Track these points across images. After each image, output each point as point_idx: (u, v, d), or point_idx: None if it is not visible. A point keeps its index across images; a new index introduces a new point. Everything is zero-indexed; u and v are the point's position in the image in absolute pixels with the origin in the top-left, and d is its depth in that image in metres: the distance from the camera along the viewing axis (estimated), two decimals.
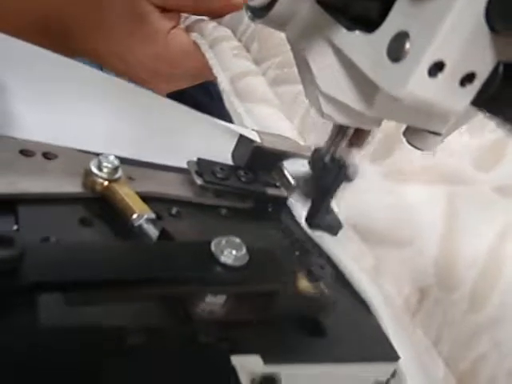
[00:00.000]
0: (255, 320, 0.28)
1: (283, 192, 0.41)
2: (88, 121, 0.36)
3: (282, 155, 0.43)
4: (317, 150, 0.37)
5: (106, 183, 0.31)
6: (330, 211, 0.37)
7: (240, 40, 0.66)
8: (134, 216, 0.30)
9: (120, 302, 0.23)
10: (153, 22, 0.52)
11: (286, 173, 0.42)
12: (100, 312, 0.22)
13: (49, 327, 0.21)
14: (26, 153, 0.32)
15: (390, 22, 0.24)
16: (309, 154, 0.44)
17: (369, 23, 0.26)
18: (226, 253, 0.26)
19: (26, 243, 0.21)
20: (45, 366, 0.20)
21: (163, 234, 0.29)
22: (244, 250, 0.27)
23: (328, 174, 0.35)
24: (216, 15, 0.63)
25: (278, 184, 0.41)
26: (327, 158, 0.35)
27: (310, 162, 0.38)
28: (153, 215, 0.30)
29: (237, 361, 0.25)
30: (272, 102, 0.55)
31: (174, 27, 0.57)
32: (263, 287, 0.28)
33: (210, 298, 0.26)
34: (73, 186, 0.31)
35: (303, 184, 0.40)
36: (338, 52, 0.28)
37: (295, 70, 0.31)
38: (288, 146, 0.43)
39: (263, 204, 0.40)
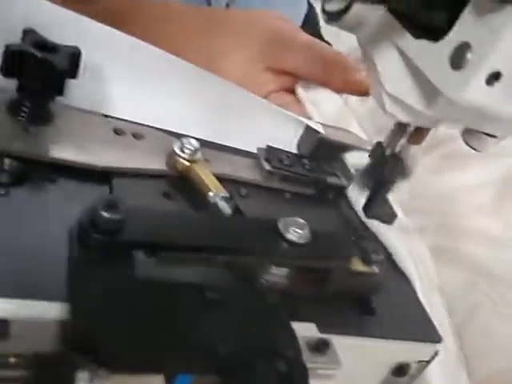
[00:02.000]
0: (312, 293, 0.31)
1: (343, 181, 0.44)
2: (171, 104, 0.40)
3: (344, 147, 0.45)
4: (378, 144, 0.39)
5: (186, 163, 0.35)
6: (386, 202, 0.40)
7: None
8: (211, 194, 0.34)
9: (200, 264, 0.27)
10: (262, 84, 0.53)
11: (346, 164, 0.45)
12: (183, 271, 0.26)
13: (142, 281, 0.25)
14: (118, 131, 0.36)
15: (455, 33, 0.27)
16: (369, 147, 0.47)
17: (434, 32, 0.28)
18: (291, 231, 0.30)
19: (129, 208, 0.25)
20: (138, 311, 0.24)
21: (236, 211, 0.33)
22: (307, 230, 0.30)
23: (387, 167, 0.38)
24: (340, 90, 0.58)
25: (338, 174, 0.44)
26: (388, 152, 0.37)
27: (370, 155, 0.40)
28: (227, 194, 0.34)
29: (295, 326, 0.29)
30: None
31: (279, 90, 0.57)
32: (321, 264, 0.31)
33: (274, 270, 0.30)
34: (158, 164, 0.35)
35: (362, 175, 0.43)
36: (403, 56, 0.31)
37: None
38: (350, 139, 0.46)
39: (324, 191, 0.43)
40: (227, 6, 0.65)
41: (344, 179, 0.44)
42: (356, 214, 0.42)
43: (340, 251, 0.32)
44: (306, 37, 0.56)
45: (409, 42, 0.29)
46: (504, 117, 0.28)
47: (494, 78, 0.25)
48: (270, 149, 0.42)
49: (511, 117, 0.27)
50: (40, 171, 0.31)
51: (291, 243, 0.29)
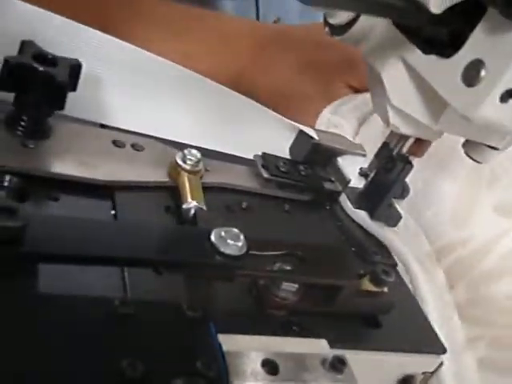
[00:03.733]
0: (320, 309, 0.31)
1: (338, 187, 0.44)
2: (168, 113, 0.39)
3: (338, 152, 0.46)
4: (385, 145, 0.39)
5: (187, 174, 0.34)
6: (391, 204, 0.40)
7: None
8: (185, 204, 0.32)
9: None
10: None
11: (340, 169, 0.45)
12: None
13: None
14: (117, 143, 0.35)
15: (467, 50, 0.27)
16: (362, 152, 0.47)
17: (444, 48, 0.28)
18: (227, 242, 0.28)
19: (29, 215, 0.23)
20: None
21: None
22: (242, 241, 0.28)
23: (395, 168, 0.38)
24: None
25: (332, 179, 0.44)
26: (395, 152, 0.37)
27: (376, 155, 0.40)
28: (202, 206, 0.32)
29: (305, 343, 0.29)
30: None
31: None
32: (329, 282, 0.31)
33: (284, 285, 0.30)
34: (159, 176, 0.35)
35: (351, 195, 0.43)
36: (410, 70, 0.31)
37: None
38: (343, 144, 0.46)
39: (320, 197, 0.43)
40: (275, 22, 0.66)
41: (338, 184, 0.44)
42: (351, 219, 0.42)
43: (349, 269, 0.32)
44: None
45: (417, 56, 0.29)
46: None
47: (509, 95, 0.26)
48: (265, 156, 0.42)
49: None
50: (41, 187, 0.30)
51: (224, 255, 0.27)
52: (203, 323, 0.25)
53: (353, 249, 0.40)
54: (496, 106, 0.26)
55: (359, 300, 0.32)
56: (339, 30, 0.32)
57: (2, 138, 0.30)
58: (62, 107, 0.31)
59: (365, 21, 0.31)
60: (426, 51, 0.29)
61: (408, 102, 0.32)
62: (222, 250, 0.27)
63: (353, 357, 0.30)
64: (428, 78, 0.29)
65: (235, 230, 0.27)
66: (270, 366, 0.25)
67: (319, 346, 0.29)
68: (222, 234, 0.27)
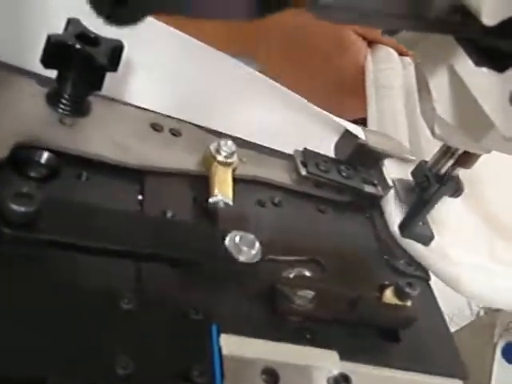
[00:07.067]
0: (337, 318, 0.30)
1: (379, 191, 0.42)
2: (209, 100, 0.39)
3: (384, 155, 0.44)
4: (422, 163, 0.38)
5: (214, 164, 0.34)
6: (424, 223, 0.39)
7: None
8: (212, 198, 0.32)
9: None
10: (354, 48, 0.51)
11: (384, 173, 0.43)
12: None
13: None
14: (156, 127, 0.35)
15: None
16: (410, 156, 0.45)
17: (498, 61, 0.26)
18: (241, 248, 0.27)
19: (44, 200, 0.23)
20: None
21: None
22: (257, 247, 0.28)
23: (430, 188, 0.36)
24: None
25: (375, 182, 0.43)
26: (431, 173, 0.36)
27: (412, 173, 0.39)
28: (229, 200, 0.32)
29: (316, 353, 0.28)
30: None
31: None
32: (347, 292, 0.30)
33: (301, 292, 0.29)
34: (192, 164, 0.34)
35: (401, 188, 0.42)
36: (458, 81, 0.29)
37: None
38: (391, 147, 0.44)
39: (359, 200, 0.42)
40: None
41: (380, 189, 0.43)
42: (388, 227, 0.41)
43: (369, 279, 0.31)
44: None
45: (469, 68, 0.28)
46: None
47: None
48: (306, 152, 0.41)
49: None
50: (72, 165, 0.30)
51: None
52: (204, 326, 0.25)
53: (385, 257, 0.39)
54: None
55: (377, 312, 0.31)
56: (392, 30, 0.31)
57: (41, 114, 0.31)
58: (99, 88, 0.31)
59: None
60: (478, 63, 0.27)
61: (454, 115, 0.30)
62: (236, 256, 0.26)
63: (362, 370, 0.29)
64: (475, 92, 0.27)
65: (251, 236, 0.27)
66: (271, 375, 0.25)
67: (329, 358, 0.28)
68: (237, 239, 0.27)
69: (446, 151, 0.36)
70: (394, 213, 0.40)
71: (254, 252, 0.27)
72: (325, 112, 0.44)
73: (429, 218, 0.40)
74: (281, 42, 0.47)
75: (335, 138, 0.44)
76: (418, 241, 0.38)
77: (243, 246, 0.27)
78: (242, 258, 0.26)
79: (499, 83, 0.26)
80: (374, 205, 0.42)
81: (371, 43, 0.50)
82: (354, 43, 0.45)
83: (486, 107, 0.26)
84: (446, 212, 0.41)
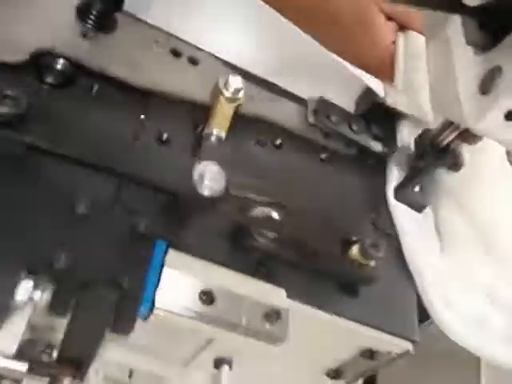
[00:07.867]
0: (300, 262, 0.32)
1: (385, 150, 0.43)
2: (232, 35, 0.41)
3: (400, 115, 0.44)
4: (426, 131, 0.38)
5: (220, 98, 0.36)
6: (419, 190, 0.40)
7: None
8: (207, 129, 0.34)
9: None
10: (379, 28, 0.51)
11: (397, 134, 0.44)
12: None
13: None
14: (175, 52, 0.37)
15: (496, 53, 0.25)
16: (429, 122, 0.45)
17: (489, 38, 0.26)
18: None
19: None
20: None
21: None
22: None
23: (425, 157, 0.37)
24: None
25: (384, 141, 0.44)
26: (432, 143, 0.37)
27: (415, 140, 0.40)
28: (222, 135, 0.34)
29: (265, 287, 0.30)
30: None
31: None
32: (312, 241, 0.32)
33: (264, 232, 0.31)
34: (200, 94, 0.37)
35: (406, 151, 0.42)
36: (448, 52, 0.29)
37: None
38: (408, 107, 0.45)
39: (364, 155, 0.43)
40: None
41: (387, 148, 0.43)
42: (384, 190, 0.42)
43: (337, 234, 0.32)
44: None
45: (460, 42, 0.28)
46: None
47: None
48: (321, 101, 0.42)
49: None
50: (85, 76, 0.33)
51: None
52: (150, 240, 0.27)
53: (372, 215, 0.40)
54: (500, 124, 0.25)
55: (338, 265, 0.32)
56: None
57: (68, 24, 0.34)
58: (119, 8, 0.33)
59: None
60: (469, 42, 0.28)
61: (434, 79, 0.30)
62: (199, 189, 0.28)
63: (309, 313, 0.31)
64: (456, 62, 0.27)
65: (219, 171, 0.29)
66: (207, 297, 0.27)
67: (274, 294, 0.30)
68: (205, 173, 0.28)
69: (449, 124, 0.37)
70: (394, 175, 0.41)
71: (217, 187, 0.28)
72: (351, 67, 0.44)
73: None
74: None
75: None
76: (411, 206, 0.39)
77: (208, 181, 0.28)
78: (205, 192, 0.28)
79: (479, 61, 0.26)
80: (378, 162, 0.43)
81: (403, 28, 0.49)
82: (379, 23, 0.45)
83: (460, 87, 0.27)
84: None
